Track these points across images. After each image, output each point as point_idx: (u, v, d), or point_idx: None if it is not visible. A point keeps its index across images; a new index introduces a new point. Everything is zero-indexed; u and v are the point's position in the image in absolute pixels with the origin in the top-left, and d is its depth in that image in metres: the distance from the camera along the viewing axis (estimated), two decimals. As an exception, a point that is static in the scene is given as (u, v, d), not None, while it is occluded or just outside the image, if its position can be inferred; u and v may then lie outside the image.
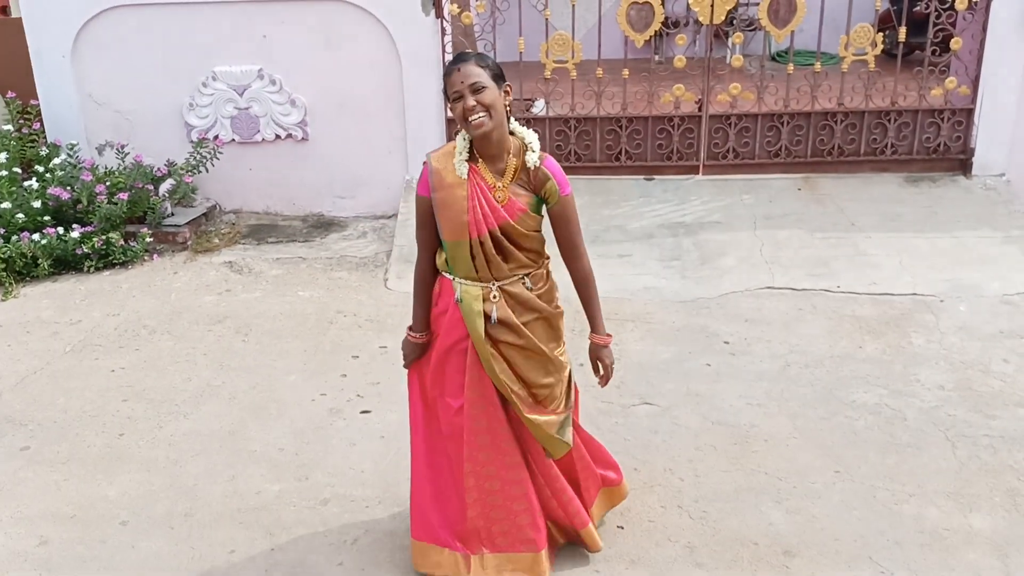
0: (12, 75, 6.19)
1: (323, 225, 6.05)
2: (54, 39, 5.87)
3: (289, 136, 5.99)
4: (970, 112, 5.74)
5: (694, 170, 5.98)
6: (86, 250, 5.30)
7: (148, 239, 5.50)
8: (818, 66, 5.75)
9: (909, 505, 3.18)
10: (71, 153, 5.73)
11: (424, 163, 2.59)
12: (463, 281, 2.58)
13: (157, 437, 3.71)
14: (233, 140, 6.00)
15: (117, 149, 5.77)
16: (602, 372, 2.80)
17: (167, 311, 4.87)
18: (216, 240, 5.79)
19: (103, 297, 5.07)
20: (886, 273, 4.98)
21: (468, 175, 2.49)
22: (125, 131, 6.00)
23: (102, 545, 3.08)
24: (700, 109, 5.87)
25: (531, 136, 2.54)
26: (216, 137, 5.95)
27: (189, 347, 4.46)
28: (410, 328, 2.73)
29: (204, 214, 5.95)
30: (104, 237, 5.34)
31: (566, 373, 2.74)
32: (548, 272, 2.68)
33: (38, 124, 6.04)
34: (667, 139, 5.92)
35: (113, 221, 5.41)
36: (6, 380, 4.20)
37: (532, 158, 2.49)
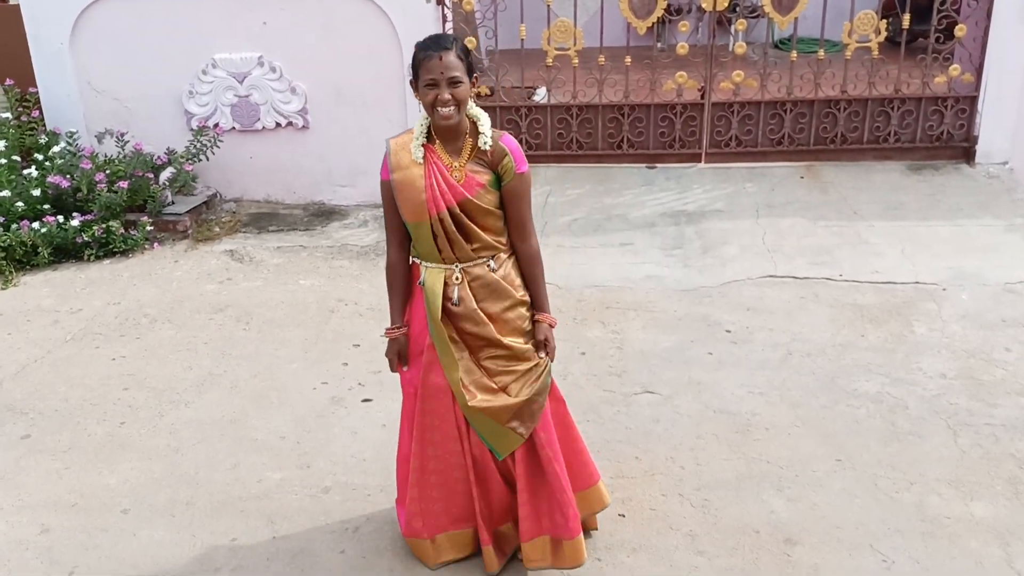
0: (11, 62, 6.15)
1: (324, 213, 6.03)
2: (53, 26, 5.84)
3: (289, 124, 5.96)
4: (974, 100, 5.71)
5: (696, 158, 5.96)
6: (86, 239, 5.29)
7: (148, 228, 5.49)
8: (821, 53, 5.72)
9: (910, 493, 3.18)
10: (70, 141, 5.70)
11: (385, 153, 2.59)
12: (428, 264, 2.59)
13: (158, 426, 3.71)
14: (233, 128, 5.97)
15: (117, 137, 5.74)
16: (547, 352, 2.69)
17: (168, 300, 4.87)
18: (217, 229, 5.77)
19: (103, 286, 5.06)
20: (888, 262, 4.97)
21: (424, 156, 2.51)
22: (124, 119, 5.97)
23: (103, 533, 3.09)
24: (703, 97, 5.84)
25: (483, 117, 2.54)
26: (216, 125, 5.93)
27: (190, 336, 4.46)
28: (387, 328, 2.71)
29: (205, 202, 5.93)
30: (104, 226, 5.33)
31: (533, 365, 2.64)
32: (513, 257, 2.67)
33: (37, 112, 6.01)
34: (669, 127, 5.89)
35: (113, 210, 5.40)
36: (6, 369, 4.19)
37: (483, 140, 2.50)
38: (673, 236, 5.32)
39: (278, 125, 5.97)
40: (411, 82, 2.49)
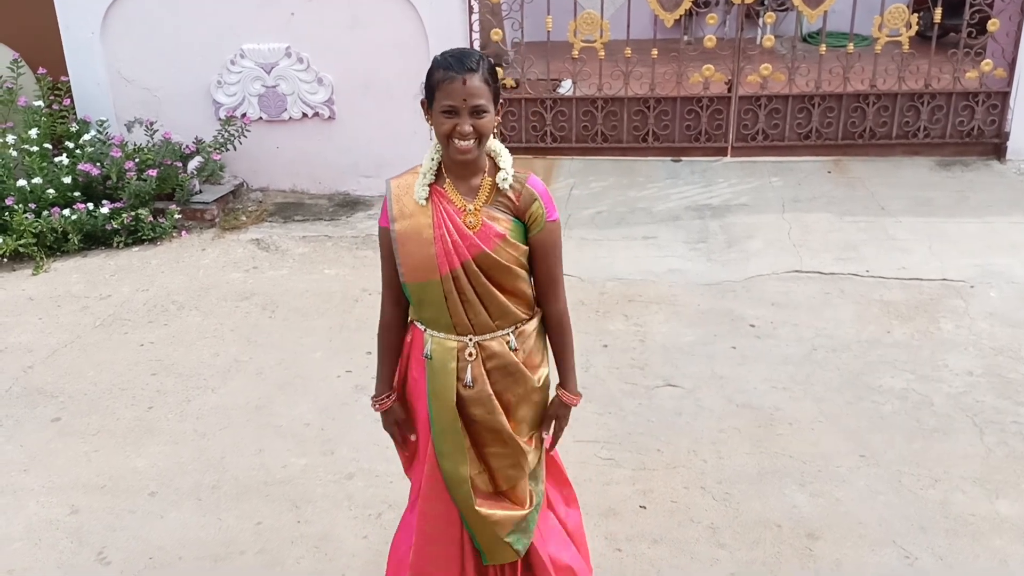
0: (43, 51, 6.24)
1: (348, 204, 6.07)
2: (84, 16, 5.91)
3: (316, 115, 6.00)
4: (1006, 95, 5.63)
5: (722, 152, 5.92)
6: (115, 226, 5.36)
7: (177, 216, 5.55)
8: (851, 47, 5.66)
9: (935, 490, 3.15)
10: (100, 129, 5.78)
11: (384, 196, 2.17)
12: (435, 333, 2.15)
13: (185, 411, 3.76)
14: (260, 118, 6.02)
15: (146, 126, 5.81)
16: (552, 433, 2.30)
17: (195, 287, 4.93)
18: (243, 218, 5.83)
19: (132, 273, 5.14)
20: (916, 258, 4.92)
21: (430, 199, 2.07)
22: (153, 108, 6.04)
23: (131, 515, 3.14)
24: (730, 90, 5.81)
25: (504, 154, 2.12)
26: (244, 115, 5.98)
27: (217, 323, 4.51)
28: (373, 397, 2.29)
29: (231, 192, 5.99)
30: (133, 213, 5.40)
31: (534, 465, 2.28)
32: (540, 329, 2.23)
33: (68, 100, 6.10)
34: (695, 120, 5.86)
35: (142, 198, 5.47)
36: (37, 353, 4.27)
37: (504, 178, 2.07)
38: (697, 230, 5.30)
39: (304, 116, 6.01)
40: (422, 102, 2.06)
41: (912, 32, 5.60)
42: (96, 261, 5.30)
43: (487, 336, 2.12)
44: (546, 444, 2.30)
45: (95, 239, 5.44)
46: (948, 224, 5.21)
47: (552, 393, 2.30)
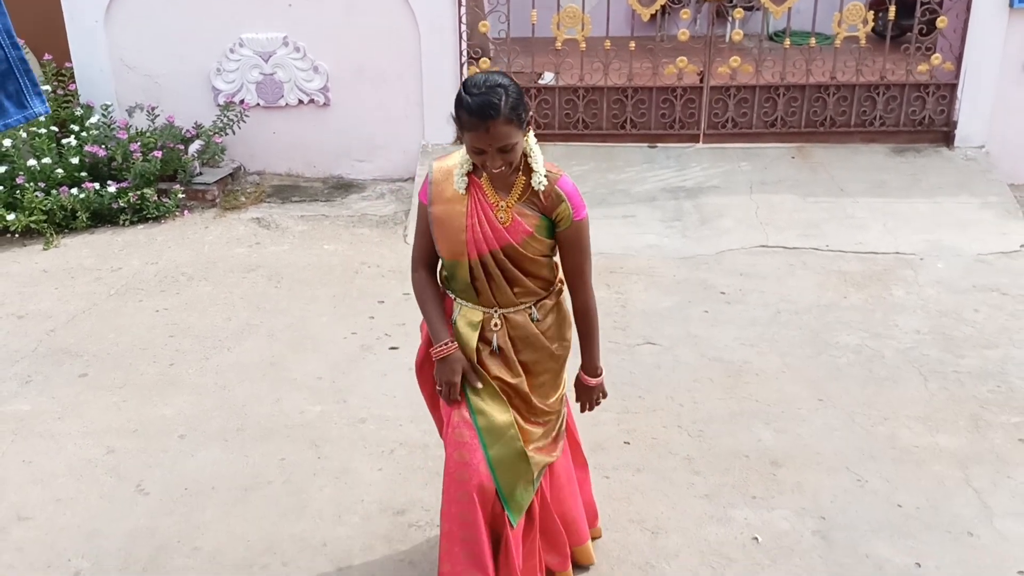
0: (48, 39, 6.48)
1: (343, 186, 6.38)
2: (88, 4, 6.16)
3: (311, 101, 6.31)
4: (953, 87, 6.09)
5: (695, 138, 6.33)
6: (122, 204, 5.63)
7: (180, 196, 5.83)
8: (812, 42, 6.09)
9: (884, 427, 3.57)
10: (105, 114, 6.04)
11: (428, 172, 2.37)
12: (463, 303, 2.39)
13: (205, 367, 4.07)
14: (258, 104, 6.31)
15: (148, 111, 6.08)
16: (582, 407, 2.58)
17: (202, 261, 5.22)
18: (242, 198, 6.12)
19: (140, 248, 5.41)
20: (871, 234, 5.36)
21: (468, 189, 2.28)
22: (154, 94, 6.30)
23: (164, 454, 3.45)
24: (702, 81, 6.21)
25: (536, 153, 2.25)
26: (242, 101, 6.26)
27: (226, 292, 4.81)
28: (430, 344, 2.40)
29: (230, 174, 6.27)
30: (139, 193, 5.67)
31: (558, 420, 2.50)
32: (560, 303, 2.45)
33: (73, 86, 6.33)
34: (670, 109, 6.26)
35: (147, 178, 5.74)
36: (57, 318, 4.54)
37: (538, 181, 2.23)
38: (672, 210, 5.70)
39: (300, 102, 6.31)
40: (454, 119, 2.18)
41: (869, 28, 6.05)
42: (104, 237, 5.57)
43: (511, 309, 2.34)
44: (582, 410, 2.57)
45: (102, 217, 5.70)
46: (901, 204, 5.66)
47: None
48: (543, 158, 2.29)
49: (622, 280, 4.89)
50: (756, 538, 2.97)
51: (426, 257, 2.41)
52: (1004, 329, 4.33)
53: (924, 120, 6.19)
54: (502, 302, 2.34)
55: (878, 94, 6.15)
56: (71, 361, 4.13)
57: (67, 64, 6.38)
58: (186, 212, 5.88)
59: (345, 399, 3.79)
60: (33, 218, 5.42)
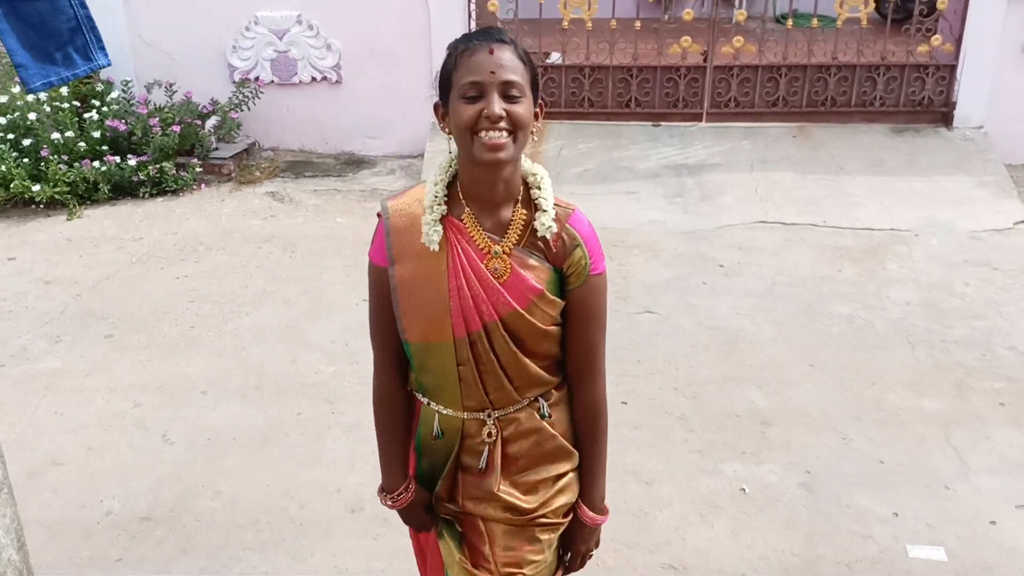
0: (68, 16, 6.64)
1: (354, 162, 6.56)
2: (108, -17, 6.32)
3: (324, 79, 6.47)
4: (953, 68, 6.21)
5: (698, 117, 6.47)
6: (142, 177, 5.82)
7: (197, 169, 6.02)
8: (815, 22, 6.22)
9: (871, 391, 3.74)
10: (125, 90, 6.22)
11: (379, 215, 1.66)
12: (441, 408, 1.68)
13: (224, 330, 4.27)
14: (272, 81, 6.48)
15: (166, 87, 6.25)
16: (572, 557, 1.81)
17: (219, 231, 5.41)
18: (257, 173, 6.30)
19: (159, 219, 5.60)
20: (868, 211, 5.51)
21: (447, 237, 1.58)
22: (172, 71, 6.47)
23: (187, 408, 3.65)
24: (705, 60, 6.35)
25: (543, 177, 1.62)
26: (257, 78, 6.43)
27: (243, 261, 5.01)
28: (381, 488, 1.78)
29: (245, 150, 6.45)
30: (158, 166, 5.85)
31: (551, 550, 1.77)
32: (566, 396, 1.74)
33: (92, 63, 6.50)
34: (674, 88, 6.40)
35: (166, 152, 5.92)
36: (83, 284, 4.74)
37: (542, 224, 1.57)
38: (675, 186, 5.85)
39: (313, 79, 6.48)
40: (436, 106, 1.61)
41: (870, 9, 6.16)
42: (125, 209, 5.76)
43: (511, 408, 1.66)
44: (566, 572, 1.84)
45: (122, 189, 5.89)
46: (899, 182, 5.80)
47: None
48: (551, 186, 1.62)
49: (624, 253, 5.06)
50: (744, 489, 3.16)
51: (393, 347, 1.67)
52: (992, 301, 4.48)
53: (923, 101, 6.31)
54: (498, 401, 1.65)
55: (879, 75, 6.27)
56: (97, 323, 4.34)
57: (88, 41, 6.54)
58: (203, 185, 6.07)
59: (357, 360, 3.98)
60: (57, 189, 5.61)
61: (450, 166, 1.63)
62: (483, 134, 1.50)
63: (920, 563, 2.84)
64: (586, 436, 1.73)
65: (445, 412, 1.67)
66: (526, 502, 1.69)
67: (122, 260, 5.03)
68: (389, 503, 1.76)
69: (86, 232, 5.42)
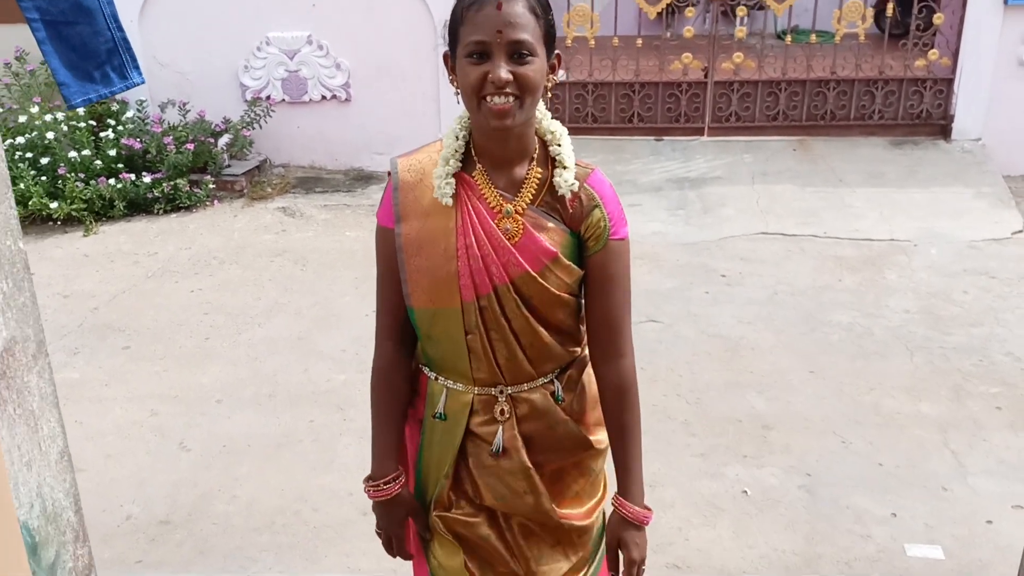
0: (84, 38, 6.82)
1: (363, 178, 6.69)
2: (123, 5, 6.43)
3: (334, 97, 6.62)
4: (950, 82, 6.33)
5: (700, 132, 6.59)
6: (156, 194, 5.96)
7: (211, 186, 6.16)
8: (813, 38, 6.35)
9: (870, 396, 3.82)
10: (140, 109, 6.37)
11: (388, 174, 1.59)
12: (449, 382, 1.57)
13: (238, 341, 4.38)
14: (283, 100, 6.63)
15: (180, 106, 6.41)
16: (623, 567, 1.64)
17: (232, 246, 5.54)
18: (268, 189, 6.44)
19: (174, 235, 5.74)
20: (868, 222, 5.60)
21: (457, 194, 1.50)
22: (185, 90, 6.63)
23: (203, 416, 3.76)
24: (706, 76, 6.48)
25: (562, 134, 1.53)
26: (268, 97, 6.58)
27: (255, 274, 5.13)
28: (368, 478, 1.66)
29: (256, 166, 6.59)
30: (172, 183, 5.99)
31: (595, 552, 1.67)
32: (586, 377, 1.64)
33: (108, 83, 6.67)
34: (675, 103, 6.53)
35: (180, 169, 6.06)
36: (100, 297, 4.87)
37: (564, 180, 1.49)
38: (677, 199, 5.96)
39: (323, 98, 6.63)
40: (445, 56, 1.50)
41: (868, 24, 6.29)
42: (140, 225, 5.90)
43: (524, 387, 1.55)
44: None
45: (137, 206, 6.03)
46: (898, 194, 5.90)
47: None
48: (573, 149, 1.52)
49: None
50: (746, 491, 3.24)
51: (396, 316, 1.58)
52: (990, 309, 4.56)
53: (922, 114, 6.42)
54: (511, 375, 1.54)
55: (877, 89, 6.39)
56: (114, 335, 4.45)
57: (103, 62, 6.70)
58: (216, 202, 6.20)
59: (367, 369, 4.02)
60: (74, 206, 5.76)
61: (462, 123, 1.54)
62: (489, 99, 1.40)
63: (918, 561, 2.92)
64: (614, 421, 1.60)
65: (454, 387, 1.56)
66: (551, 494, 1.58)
67: (138, 274, 5.15)
68: (371, 492, 1.62)
69: (102, 248, 5.55)
